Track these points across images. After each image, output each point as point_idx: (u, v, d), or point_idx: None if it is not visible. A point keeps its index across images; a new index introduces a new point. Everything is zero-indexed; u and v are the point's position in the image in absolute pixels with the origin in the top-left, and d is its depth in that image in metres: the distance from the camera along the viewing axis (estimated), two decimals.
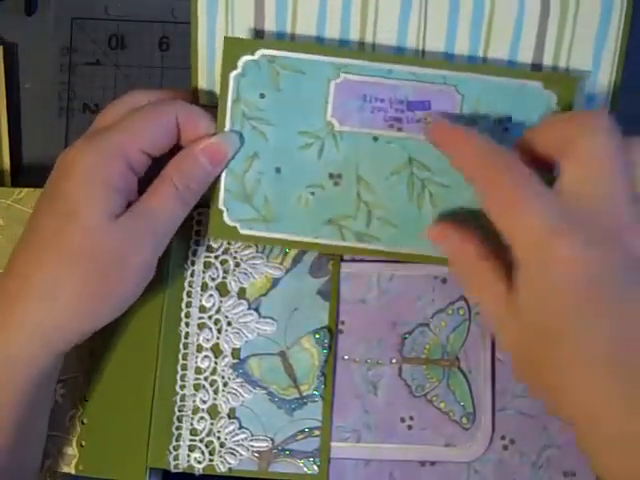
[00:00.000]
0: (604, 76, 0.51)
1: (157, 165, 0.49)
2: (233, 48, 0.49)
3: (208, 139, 0.49)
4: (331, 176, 0.50)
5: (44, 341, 0.45)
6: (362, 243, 0.50)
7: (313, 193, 0.50)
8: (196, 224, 0.53)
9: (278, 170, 0.50)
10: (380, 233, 0.50)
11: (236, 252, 0.53)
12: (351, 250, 0.51)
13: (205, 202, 0.52)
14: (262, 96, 0.50)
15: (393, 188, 0.50)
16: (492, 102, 0.49)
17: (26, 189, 0.55)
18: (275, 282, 0.53)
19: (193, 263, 0.53)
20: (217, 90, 0.50)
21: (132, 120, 0.48)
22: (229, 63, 0.49)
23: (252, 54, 0.49)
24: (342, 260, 0.53)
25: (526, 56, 0.51)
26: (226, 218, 0.50)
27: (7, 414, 0.45)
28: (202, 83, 0.52)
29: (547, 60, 0.51)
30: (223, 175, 0.50)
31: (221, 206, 0.50)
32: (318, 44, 0.52)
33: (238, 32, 0.52)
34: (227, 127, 0.50)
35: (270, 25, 0.52)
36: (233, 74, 0.49)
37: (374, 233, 0.50)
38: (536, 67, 0.52)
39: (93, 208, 0.45)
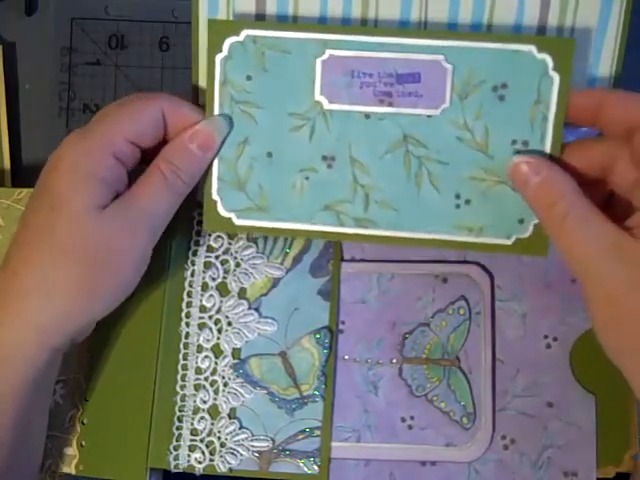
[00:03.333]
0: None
1: (150, 158, 0.49)
2: (217, 30, 0.48)
3: (196, 126, 0.48)
4: (324, 158, 0.49)
5: (39, 337, 0.45)
6: (361, 229, 0.49)
7: (307, 178, 0.49)
8: (196, 224, 0.53)
9: (270, 155, 0.49)
10: (379, 217, 0.49)
11: (236, 252, 0.53)
12: (350, 237, 0.50)
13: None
14: (249, 78, 0.49)
15: (389, 168, 0.49)
16: (485, 70, 0.47)
17: (26, 189, 0.55)
18: (275, 282, 0.53)
19: (193, 263, 0.53)
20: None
21: (116, 112, 0.47)
22: (214, 46, 0.49)
23: (237, 35, 0.48)
24: (342, 260, 0.53)
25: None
26: (220, 208, 0.50)
27: (4, 411, 0.45)
28: (202, 83, 0.52)
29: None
30: (215, 163, 0.49)
31: (215, 196, 0.50)
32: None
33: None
34: (216, 111, 0.49)
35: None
36: (219, 57, 0.49)
37: (373, 217, 0.49)
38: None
39: (78, 200, 0.45)
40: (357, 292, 0.53)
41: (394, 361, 0.52)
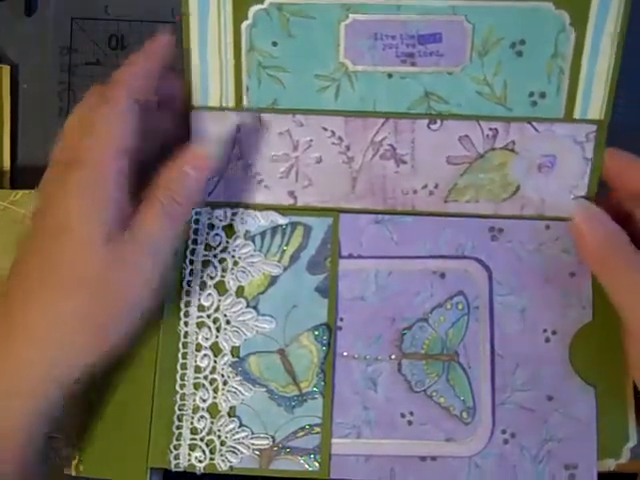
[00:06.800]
0: None
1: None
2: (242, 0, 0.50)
3: (188, 149, 0.49)
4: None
5: (46, 371, 0.45)
6: None
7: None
8: (194, 223, 0.53)
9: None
10: None
11: (234, 250, 0.53)
12: None
13: (204, 203, 0.53)
14: (275, 44, 0.50)
15: None
16: (504, 28, 0.49)
17: (22, 191, 0.55)
18: (273, 280, 0.53)
19: (192, 262, 0.53)
20: (211, 90, 0.51)
21: (104, 126, 0.47)
22: (239, 14, 0.50)
23: (261, 3, 0.49)
24: (340, 257, 0.53)
25: None
26: None
27: (10, 447, 0.45)
28: (196, 79, 0.52)
29: None
30: None
31: None
32: None
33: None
34: (244, 78, 0.51)
35: None
36: (244, 25, 0.50)
37: None
38: None
39: (86, 230, 0.45)
40: (355, 289, 0.53)
41: (393, 357, 0.52)
